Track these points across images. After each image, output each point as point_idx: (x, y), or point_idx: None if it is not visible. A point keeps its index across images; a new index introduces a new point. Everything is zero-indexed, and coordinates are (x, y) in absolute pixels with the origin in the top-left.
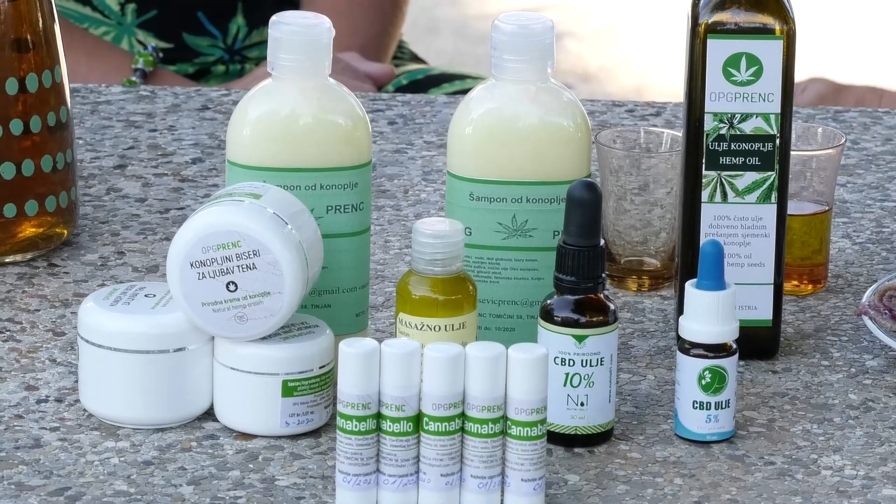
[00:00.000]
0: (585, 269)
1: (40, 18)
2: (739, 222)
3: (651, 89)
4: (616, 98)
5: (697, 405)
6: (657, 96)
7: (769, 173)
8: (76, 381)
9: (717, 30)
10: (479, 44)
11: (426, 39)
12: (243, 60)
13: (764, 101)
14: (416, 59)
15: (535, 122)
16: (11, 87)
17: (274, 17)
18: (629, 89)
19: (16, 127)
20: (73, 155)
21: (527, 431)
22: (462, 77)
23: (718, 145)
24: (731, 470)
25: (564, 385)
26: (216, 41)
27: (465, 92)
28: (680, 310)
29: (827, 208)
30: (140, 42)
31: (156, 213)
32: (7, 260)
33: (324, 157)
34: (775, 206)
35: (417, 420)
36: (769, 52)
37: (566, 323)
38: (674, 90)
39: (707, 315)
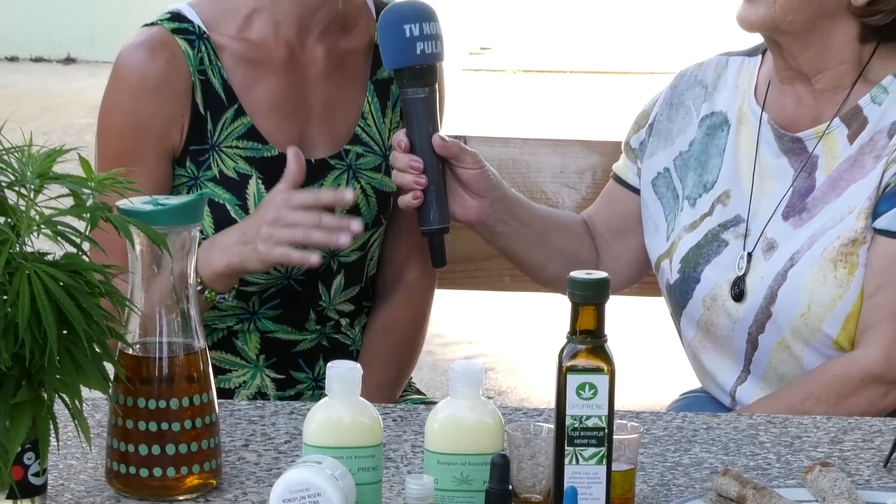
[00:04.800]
0: (501, 502)
1: (201, 364)
2: (586, 475)
3: (536, 401)
4: (517, 406)
5: None
6: (539, 405)
7: (602, 448)
8: None
9: (572, 369)
10: (443, 373)
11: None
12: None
13: (598, 408)
14: (418, 392)
15: (473, 421)
16: (185, 402)
17: (329, 364)
18: (524, 398)
19: (188, 424)
20: (219, 439)
21: None
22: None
23: (574, 433)
24: None
25: None
26: (308, 375)
27: (435, 403)
28: None
29: (633, 467)
30: (269, 377)
31: (265, 471)
32: (181, 498)
33: (356, 441)
34: (605, 466)
35: None
36: (601, 382)
37: None
38: (550, 401)
39: None
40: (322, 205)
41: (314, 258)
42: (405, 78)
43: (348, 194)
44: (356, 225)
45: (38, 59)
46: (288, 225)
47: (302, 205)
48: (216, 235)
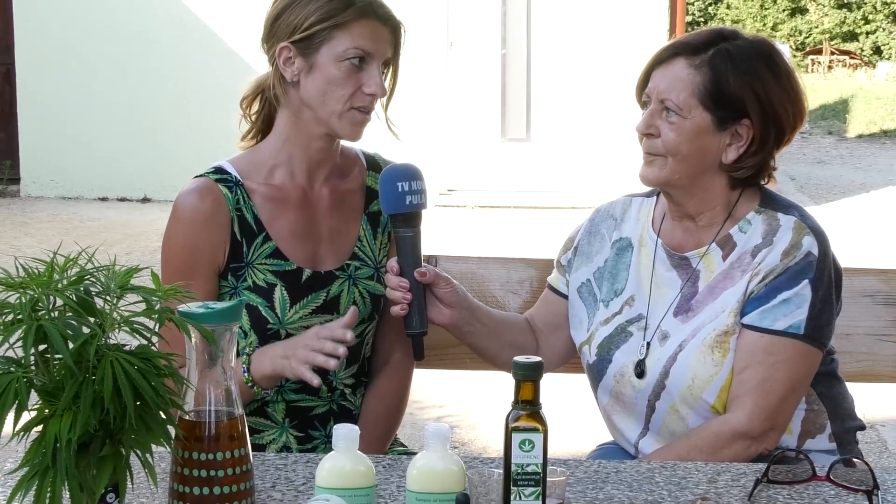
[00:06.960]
0: None
1: (240, 427)
2: None
3: (490, 450)
4: (475, 455)
5: None
6: (492, 454)
7: (538, 488)
8: None
9: (516, 429)
10: (420, 430)
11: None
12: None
13: (536, 458)
14: (402, 445)
15: (442, 468)
16: (227, 455)
17: (335, 426)
18: (481, 449)
19: (229, 471)
20: (253, 482)
21: None
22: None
23: (517, 476)
24: None
25: None
26: (322, 433)
27: (414, 454)
28: None
29: (562, 502)
30: (292, 435)
31: None
32: None
33: (355, 483)
34: (540, 501)
35: None
36: (537, 438)
37: None
38: (500, 452)
39: None
40: (336, 338)
41: (315, 380)
42: (397, 221)
43: (349, 335)
44: (342, 350)
45: (122, 199)
46: (309, 349)
47: (327, 337)
48: (266, 347)
